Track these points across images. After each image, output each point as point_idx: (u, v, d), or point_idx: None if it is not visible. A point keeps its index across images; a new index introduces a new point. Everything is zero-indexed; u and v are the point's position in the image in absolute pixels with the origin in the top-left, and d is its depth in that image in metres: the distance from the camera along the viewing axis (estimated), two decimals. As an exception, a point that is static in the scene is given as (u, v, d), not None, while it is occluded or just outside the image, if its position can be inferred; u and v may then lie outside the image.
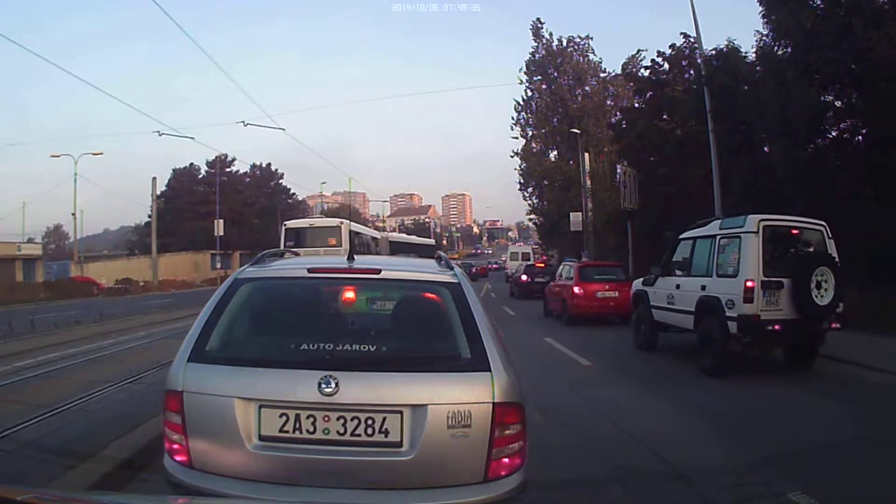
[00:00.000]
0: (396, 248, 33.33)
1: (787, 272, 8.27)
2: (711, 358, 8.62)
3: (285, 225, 25.49)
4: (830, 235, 8.76)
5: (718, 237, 8.99)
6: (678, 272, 9.97)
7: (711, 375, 8.48)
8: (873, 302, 11.70)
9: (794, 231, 8.86)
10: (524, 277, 25.81)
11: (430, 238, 72.48)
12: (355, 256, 3.42)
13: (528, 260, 39.97)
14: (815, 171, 14.99)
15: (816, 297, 8.17)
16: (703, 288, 9.00)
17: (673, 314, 9.89)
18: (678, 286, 9.79)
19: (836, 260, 8.49)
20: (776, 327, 8.11)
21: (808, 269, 8.23)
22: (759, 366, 9.06)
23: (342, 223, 25.80)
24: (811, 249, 8.69)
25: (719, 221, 9.46)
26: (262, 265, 3.43)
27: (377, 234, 36.52)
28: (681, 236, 10.34)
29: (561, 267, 18.86)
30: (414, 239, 49.98)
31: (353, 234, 24.83)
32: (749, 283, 8.11)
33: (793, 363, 9.05)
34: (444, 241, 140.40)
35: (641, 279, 11.48)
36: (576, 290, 15.20)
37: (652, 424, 5.93)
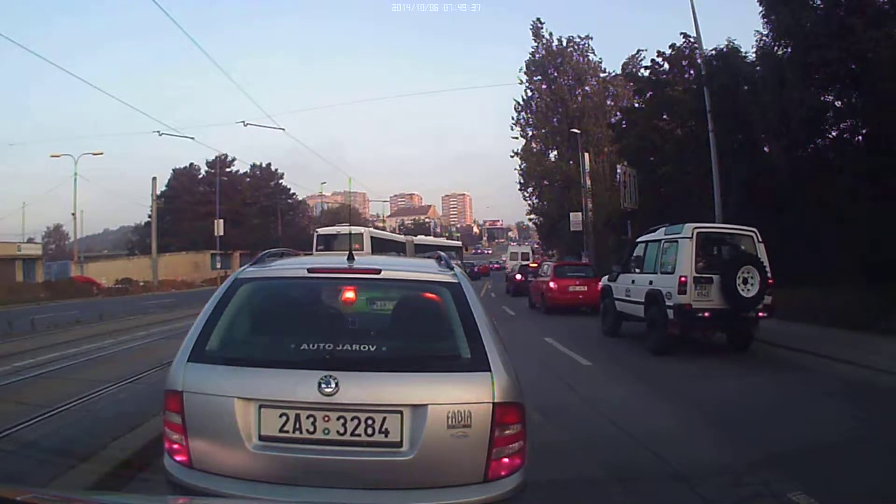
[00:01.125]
0: (422, 251, 35.62)
1: (716, 270, 9.97)
2: (656, 340, 10.42)
3: (317, 231, 30.00)
4: (760, 240, 10.33)
5: (663, 241, 10.85)
6: (634, 270, 11.76)
7: (656, 355, 10.18)
8: (873, 302, 11.70)
9: (725, 236, 10.83)
10: (518, 276, 27.73)
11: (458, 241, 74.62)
12: (355, 256, 3.42)
13: (528, 260, 40.42)
14: (815, 171, 15.01)
15: (742, 290, 9.76)
16: (651, 283, 10.81)
17: (630, 304, 11.70)
18: (633, 281, 11.62)
19: (763, 261, 9.98)
20: (706, 314, 9.85)
21: (734, 267, 9.87)
22: (760, 366, 9.07)
23: (365, 230, 31.50)
24: (742, 251, 10.30)
25: (665, 228, 11.13)
26: (262, 265, 3.43)
27: (402, 238, 40.38)
28: (637, 240, 12.26)
29: (541, 266, 21.90)
30: (441, 241, 53.01)
31: (375, 240, 28.70)
32: (682, 279, 9.89)
33: (734, 346, 10.64)
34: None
35: (607, 276, 13.35)
36: (552, 284, 18.22)
37: (651, 423, 5.93)
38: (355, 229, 32.42)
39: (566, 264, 21.56)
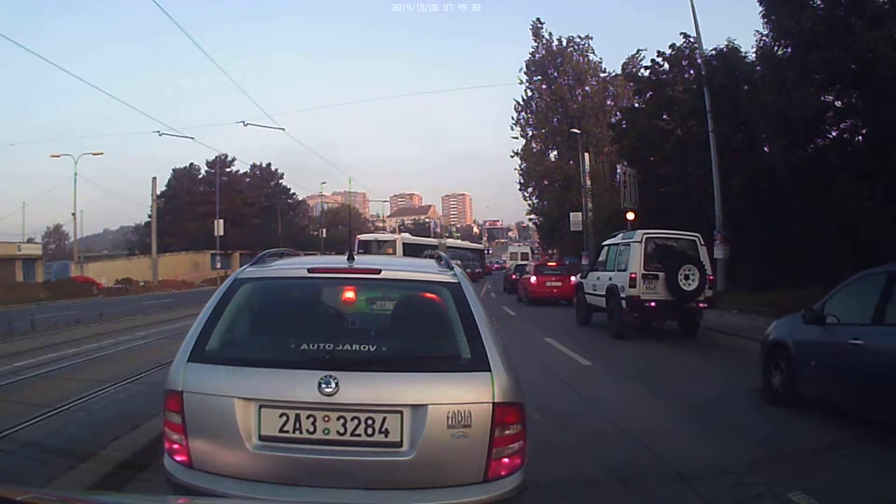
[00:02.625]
0: (452, 255, 38.61)
1: (662, 267, 11.97)
2: (614, 325, 12.56)
3: (358, 237, 36.08)
4: (702, 244, 12.53)
5: (620, 244, 13.05)
6: (599, 269, 13.95)
7: (615, 338, 12.19)
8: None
9: (671, 241, 12.64)
10: (514, 275, 29.68)
11: (479, 243, 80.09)
12: (355, 256, 3.42)
13: (528, 259, 40.50)
14: (815, 171, 15.01)
15: (684, 285, 11.72)
16: (610, 279, 12.90)
17: (596, 297, 13.80)
18: (598, 278, 13.79)
19: (703, 261, 12.07)
20: (652, 304, 11.91)
21: (676, 266, 11.85)
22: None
23: (398, 237, 38.50)
24: (684, 252, 12.26)
25: (622, 234, 13.53)
26: (262, 265, 3.42)
27: (434, 242, 44.90)
28: (602, 244, 14.74)
29: (526, 266, 27.18)
30: (467, 244, 58.40)
31: (408, 245, 33.87)
32: (633, 275, 11.98)
33: (682, 333, 12.61)
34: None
35: (580, 274, 16.37)
36: (532, 280, 22.20)
37: (651, 423, 5.93)
38: (389, 236, 40.26)
39: (545, 265, 25.02)
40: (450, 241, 52.27)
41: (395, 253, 28.65)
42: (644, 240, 12.23)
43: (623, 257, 12.66)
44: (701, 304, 11.96)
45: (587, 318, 14.68)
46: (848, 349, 5.57)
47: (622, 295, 12.16)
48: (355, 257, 3.40)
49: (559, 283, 21.33)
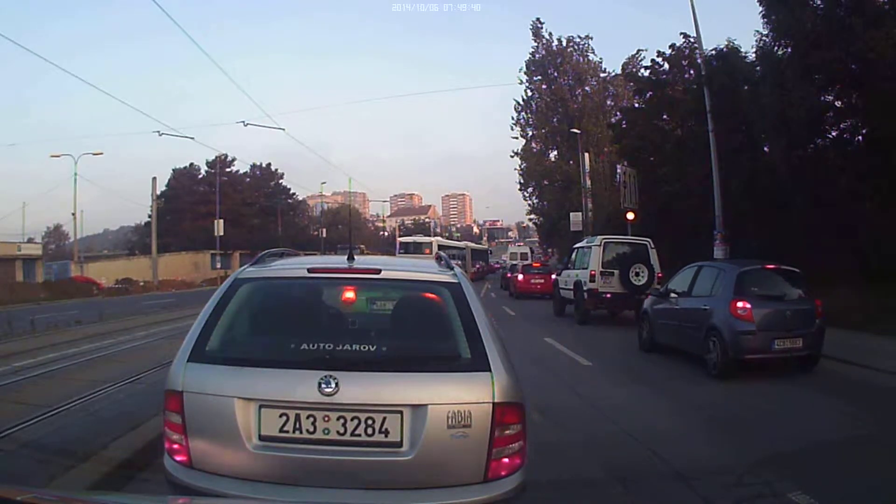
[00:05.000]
0: (476, 256, 49.57)
1: (616, 266, 14.82)
2: (579, 314, 15.43)
3: (399, 240, 44.24)
4: (653, 247, 15.12)
5: (584, 247, 16.15)
6: (570, 267, 16.86)
7: (580, 324, 14.93)
8: (873, 302, 11.69)
9: (625, 244, 15.72)
10: (509, 274, 32.90)
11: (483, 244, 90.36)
12: (355, 256, 3.42)
13: (527, 259, 40.92)
14: (815, 171, 15.00)
15: (634, 280, 14.51)
16: (577, 275, 15.75)
17: (567, 291, 16.69)
18: (568, 275, 16.68)
19: (652, 261, 14.77)
20: (608, 296, 14.78)
21: (628, 264, 14.72)
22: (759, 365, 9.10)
23: (434, 239, 45.08)
24: (635, 253, 15.01)
25: (587, 238, 16.93)
26: (262, 265, 3.42)
27: (462, 245, 52.94)
28: (572, 247, 17.91)
29: (516, 266, 32.31)
30: (476, 245, 66.09)
31: (442, 247, 38.08)
32: (592, 272, 14.82)
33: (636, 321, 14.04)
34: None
35: (556, 272, 20.08)
36: (520, 277, 26.92)
37: (651, 422, 5.94)
38: (426, 239, 45.98)
39: (531, 266, 30.41)
40: (472, 245, 60.41)
41: (431, 253, 33.70)
42: (602, 244, 15.19)
43: (586, 258, 15.48)
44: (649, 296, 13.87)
45: (562, 310, 17.41)
46: (675, 311, 9.69)
47: (584, 288, 14.95)
48: (355, 257, 3.40)
49: (542, 281, 25.50)
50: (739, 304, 8.22)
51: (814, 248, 14.87)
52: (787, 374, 8.51)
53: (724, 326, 8.21)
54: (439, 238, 52.98)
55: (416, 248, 38.24)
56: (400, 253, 36.78)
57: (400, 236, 48.88)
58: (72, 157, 44.64)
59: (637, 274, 14.49)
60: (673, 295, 9.83)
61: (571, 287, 15.91)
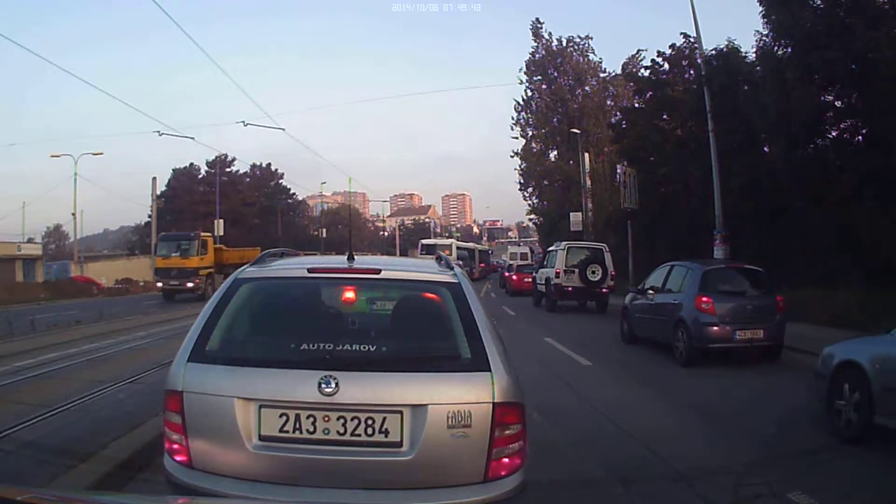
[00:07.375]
0: (480, 257, 54.15)
1: (576, 265, 18.57)
2: (547, 305, 19.39)
3: (421, 242, 46.94)
4: (608, 251, 19.33)
5: (553, 250, 20.27)
6: (544, 266, 20.65)
7: (549, 312, 18.72)
8: (873, 302, 11.67)
9: (585, 248, 20.08)
10: (506, 274, 35.45)
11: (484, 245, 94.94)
12: (355, 256, 3.42)
13: (527, 259, 41.31)
14: (815, 171, 14.99)
15: (591, 277, 18.41)
16: (548, 273, 19.49)
17: (541, 286, 20.59)
18: (542, 273, 20.75)
19: (606, 261, 18.72)
20: (570, 289, 18.70)
21: (585, 264, 18.53)
22: (758, 365, 9.13)
23: (452, 241, 52.58)
24: (593, 255, 19.02)
25: (556, 243, 20.64)
26: (262, 265, 3.42)
27: (473, 246, 58.91)
28: (546, 249, 22.25)
29: (511, 266, 35.64)
30: (480, 246, 69.90)
31: (459, 249, 42.95)
32: (557, 270, 18.74)
33: (597, 310, 18.98)
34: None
35: (534, 271, 24.08)
36: (513, 276, 30.95)
37: (651, 422, 5.94)
38: (445, 241, 51.98)
39: (524, 265, 34.27)
40: (478, 247, 64.80)
41: (451, 255, 35.35)
42: (566, 248, 19.33)
43: (554, 259, 19.52)
44: (604, 290, 18.70)
45: (538, 301, 21.20)
46: (650, 306, 10.78)
47: (552, 283, 18.87)
48: (356, 257, 3.40)
49: (532, 279, 28.49)
50: (703, 299, 9.17)
51: (814, 248, 14.87)
52: (788, 374, 8.54)
53: (689, 318, 9.20)
54: (456, 241, 58.39)
55: (435, 250, 41.08)
56: (422, 254, 38.60)
57: (421, 239, 52.37)
58: (72, 157, 44.64)
59: (593, 272, 18.37)
60: (650, 292, 10.82)
61: (543, 283, 19.97)
